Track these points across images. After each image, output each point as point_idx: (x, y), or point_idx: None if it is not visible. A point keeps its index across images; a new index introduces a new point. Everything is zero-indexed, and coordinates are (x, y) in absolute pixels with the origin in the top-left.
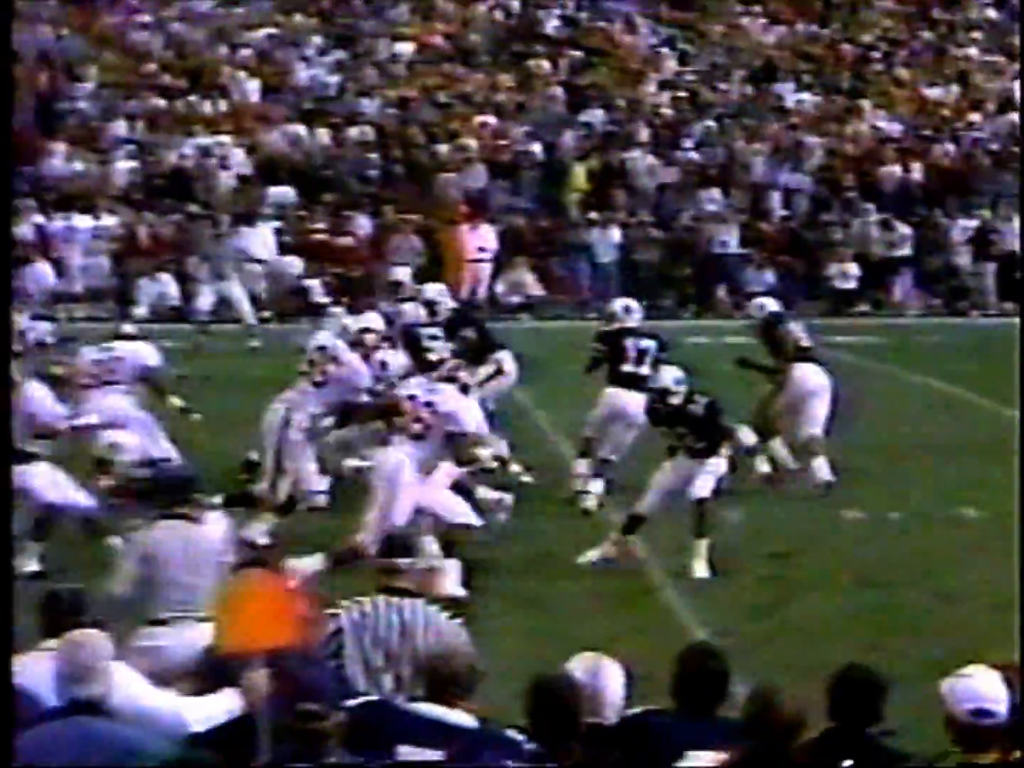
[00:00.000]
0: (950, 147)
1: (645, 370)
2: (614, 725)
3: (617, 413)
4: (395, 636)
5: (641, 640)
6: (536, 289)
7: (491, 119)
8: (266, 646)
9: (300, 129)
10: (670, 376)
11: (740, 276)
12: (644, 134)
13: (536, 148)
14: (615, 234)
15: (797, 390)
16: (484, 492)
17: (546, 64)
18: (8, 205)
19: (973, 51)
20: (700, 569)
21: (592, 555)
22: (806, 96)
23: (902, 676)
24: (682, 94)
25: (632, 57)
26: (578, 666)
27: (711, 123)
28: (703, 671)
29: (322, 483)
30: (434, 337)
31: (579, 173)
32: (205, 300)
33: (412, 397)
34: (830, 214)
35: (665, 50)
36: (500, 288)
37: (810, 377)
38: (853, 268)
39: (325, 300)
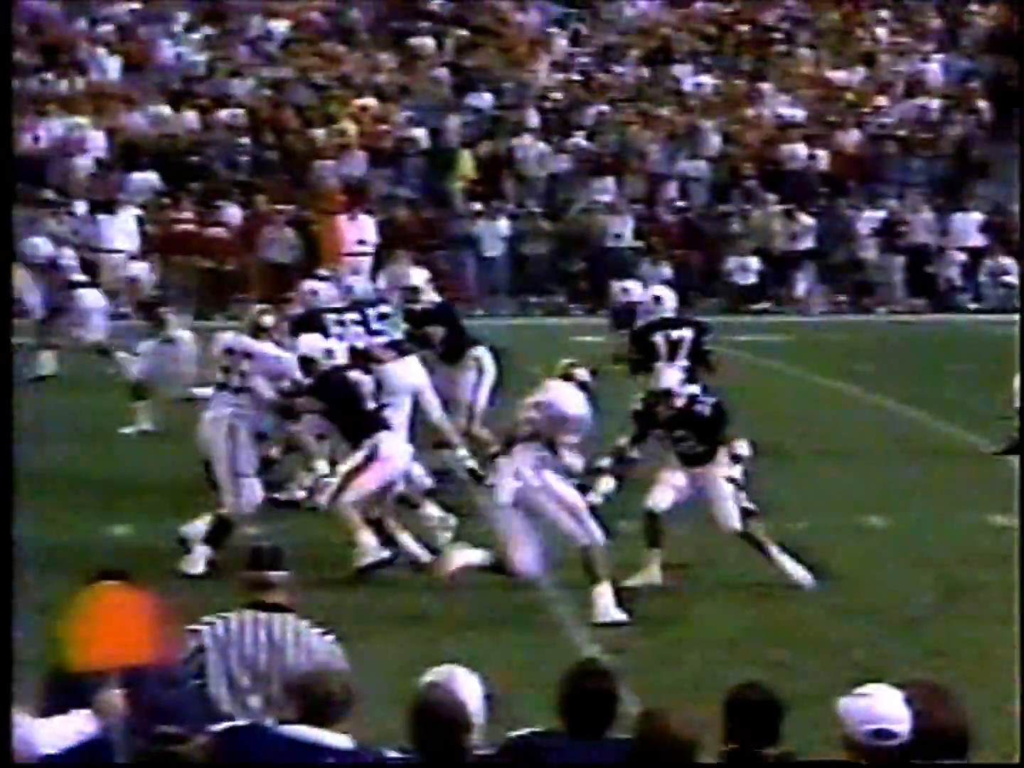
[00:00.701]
0: (855, 133)
1: (683, 362)
2: (498, 747)
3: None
4: (263, 653)
5: (529, 658)
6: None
7: (371, 102)
8: (121, 663)
9: (165, 111)
10: (674, 378)
11: (635, 270)
12: (534, 119)
13: (419, 134)
14: (503, 226)
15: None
16: (431, 510)
17: (431, 43)
18: (8, 204)
19: (880, 31)
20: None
21: (634, 581)
22: (705, 79)
23: (803, 695)
24: (575, 77)
25: (522, 37)
26: (432, 681)
27: (605, 108)
28: (591, 690)
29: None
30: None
31: (465, 161)
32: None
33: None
34: (729, 204)
35: (557, 30)
36: (381, 283)
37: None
38: (753, 262)
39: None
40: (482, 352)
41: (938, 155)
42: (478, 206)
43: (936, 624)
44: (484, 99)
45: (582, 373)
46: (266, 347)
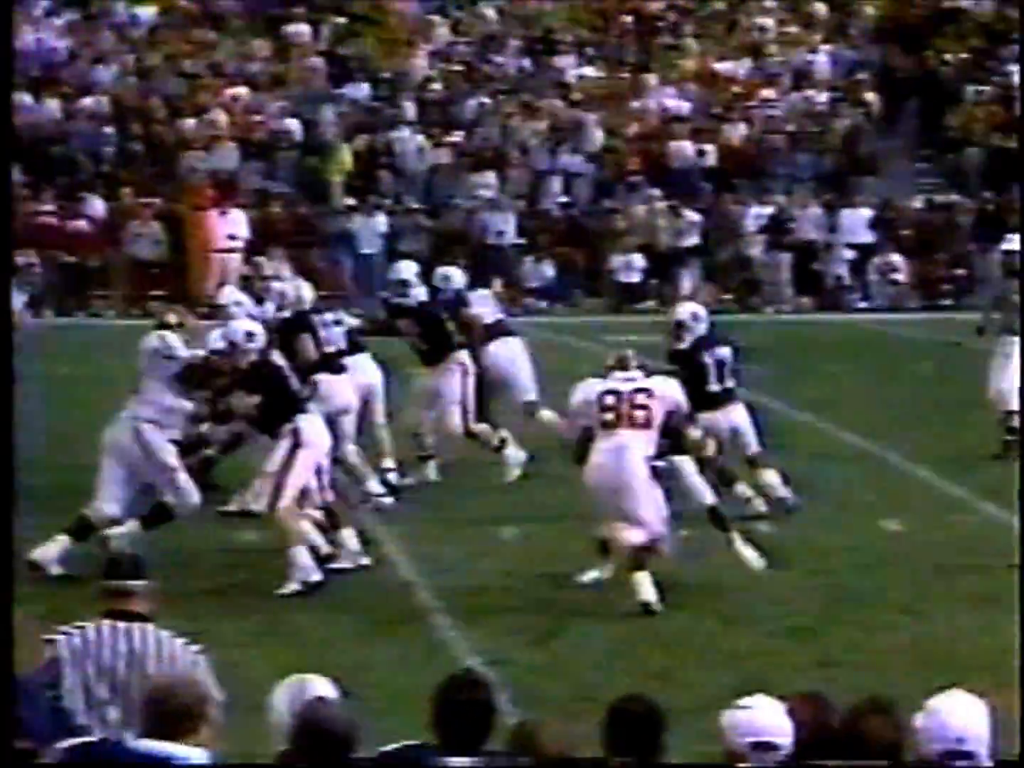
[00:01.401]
0: (742, 127)
1: (730, 383)
2: (372, 761)
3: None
4: (122, 664)
5: (405, 670)
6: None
7: (243, 92)
8: None
9: (25, 99)
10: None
11: (517, 269)
12: (413, 111)
13: (294, 125)
14: (381, 222)
15: (496, 371)
16: (347, 536)
17: (306, 31)
18: (8, 203)
19: (767, 21)
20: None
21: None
22: (588, 70)
23: (688, 707)
24: (455, 67)
25: (401, 25)
26: (285, 690)
27: (486, 99)
28: (466, 702)
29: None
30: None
31: (341, 154)
32: None
33: None
34: (613, 200)
35: (437, 18)
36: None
37: (502, 353)
38: (638, 259)
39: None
40: (464, 355)
41: (826, 149)
42: (355, 201)
43: (825, 633)
44: (361, 90)
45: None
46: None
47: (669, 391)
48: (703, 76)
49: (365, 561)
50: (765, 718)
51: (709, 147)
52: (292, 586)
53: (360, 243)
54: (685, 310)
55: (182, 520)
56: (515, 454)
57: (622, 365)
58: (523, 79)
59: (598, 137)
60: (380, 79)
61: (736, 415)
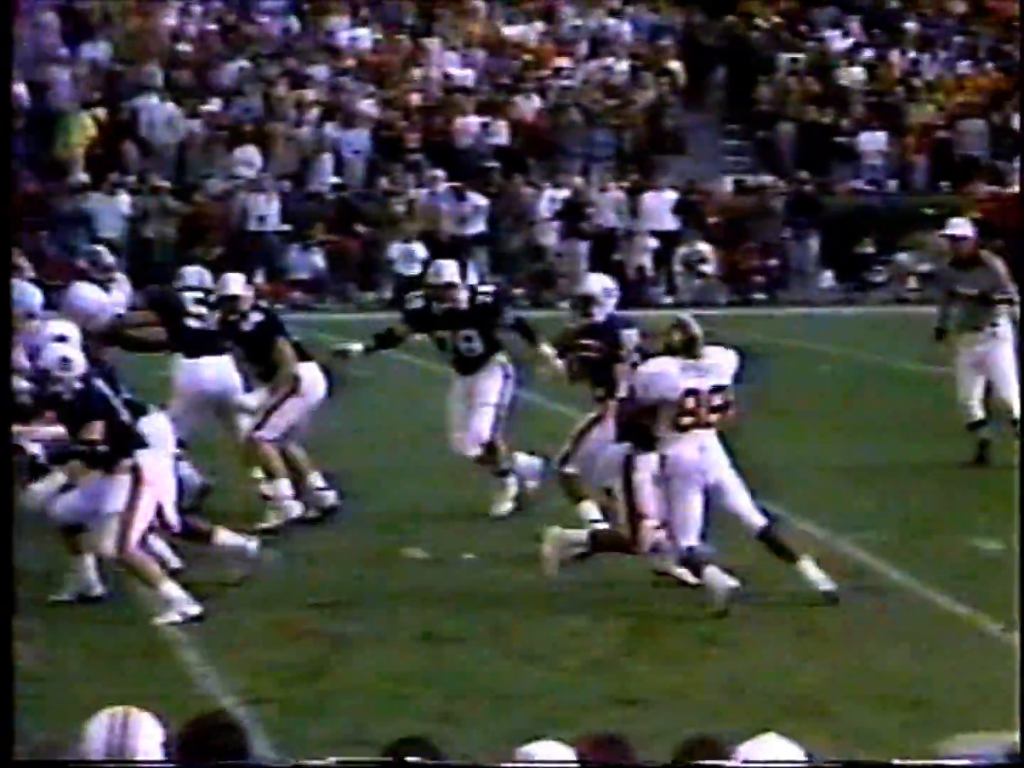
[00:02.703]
0: (535, 100)
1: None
2: None
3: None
4: None
5: (151, 710)
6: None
7: None
8: None
9: None
10: None
11: (282, 259)
12: (160, 76)
13: (20, 90)
14: (123, 202)
15: (314, 397)
16: (227, 537)
17: None
18: (8, 203)
19: None
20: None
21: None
22: (362, 32)
23: (470, 751)
24: (211, 27)
25: None
26: (99, 724)
27: (246, 64)
28: (216, 748)
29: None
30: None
31: (78, 124)
32: None
33: None
34: (390, 182)
35: None
36: None
37: (319, 379)
38: (418, 249)
39: None
40: (505, 357)
41: (626, 125)
42: (91, 179)
43: (625, 667)
44: (101, 50)
45: None
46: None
47: (731, 369)
48: (491, 42)
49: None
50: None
51: (498, 122)
52: (172, 616)
53: (99, 225)
54: (596, 283)
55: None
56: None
57: (692, 351)
58: (288, 42)
59: (373, 110)
60: (123, 38)
61: None
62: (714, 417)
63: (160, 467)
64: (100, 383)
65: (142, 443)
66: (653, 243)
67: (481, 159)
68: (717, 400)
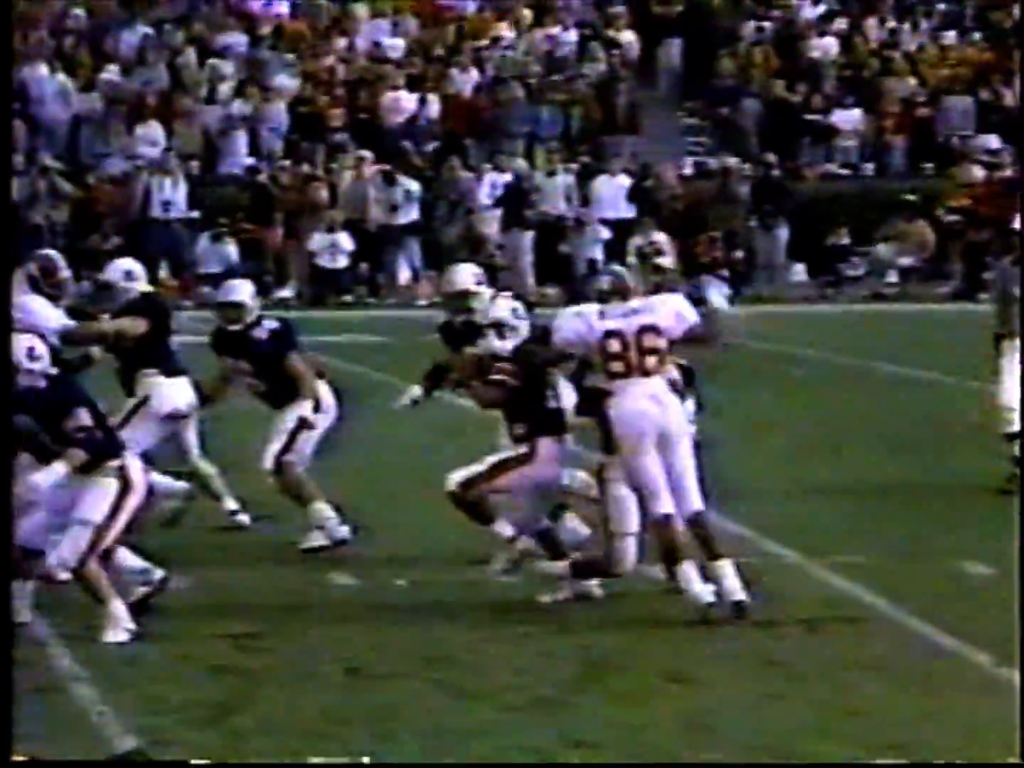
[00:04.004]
0: (473, 73)
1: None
2: None
3: None
4: None
5: (42, 752)
6: None
7: None
8: None
9: None
10: None
11: (189, 250)
12: (51, 43)
13: None
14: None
15: (330, 418)
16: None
17: None
18: (8, 203)
19: None
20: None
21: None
22: None
23: None
24: None
25: None
26: None
27: (148, 30)
28: None
29: None
30: None
31: None
32: None
33: None
34: (311, 164)
35: None
36: None
37: (331, 399)
38: (343, 239)
39: None
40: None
41: (574, 101)
42: None
43: (574, 705)
44: None
45: None
46: None
47: (672, 310)
48: (423, 8)
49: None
50: None
51: (431, 98)
52: (119, 635)
53: None
54: (464, 275)
55: None
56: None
57: (620, 291)
58: (196, 6)
59: (292, 83)
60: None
61: None
62: (650, 361)
63: (142, 474)
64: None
65: (123, 444)
66: (605, 233)
67: (413, 139)
68: (650, 342)
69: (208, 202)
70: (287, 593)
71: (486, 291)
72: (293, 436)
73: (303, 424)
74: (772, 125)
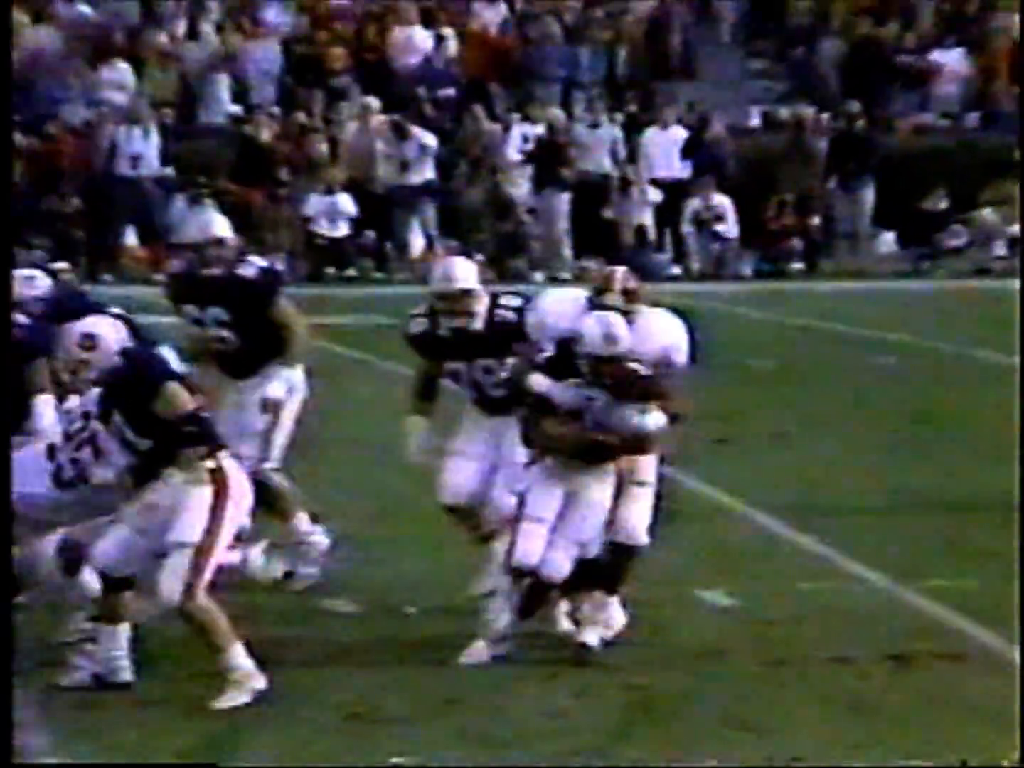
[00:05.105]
0: (500, 6)
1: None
2: None
3: None
4: None
5: None
6: None
7: None
8: None
9: None
10: None
11: (161, 214)
12: None
13: None
14: None
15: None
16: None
17: None
18: (8, 203)
19: None
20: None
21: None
22: None
23: None
24: None
25: None
26: None
27: None
28: None
29: None
30: None
31: None
32: None
33: None
34: (309, 114)
35: None
36: None
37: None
38: (345, 202)
39: None
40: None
41: (618, 41)
42: None
43: (619, 756)
44: None
45: None
46: None
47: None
48: None
49: None
50: None
51: (449, 35)
52: (239, 696)
53: None
54: (466, 269)
55: None
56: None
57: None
58: None
59: (284, 18)
60: None
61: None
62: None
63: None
64: None
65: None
66: (656, 195)
67: (428, 85)
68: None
69: (185, 158)
70: (275, 623)
71: (485, 294)
72: (267, 439)
73: (274, 411)
74: (856, 68)
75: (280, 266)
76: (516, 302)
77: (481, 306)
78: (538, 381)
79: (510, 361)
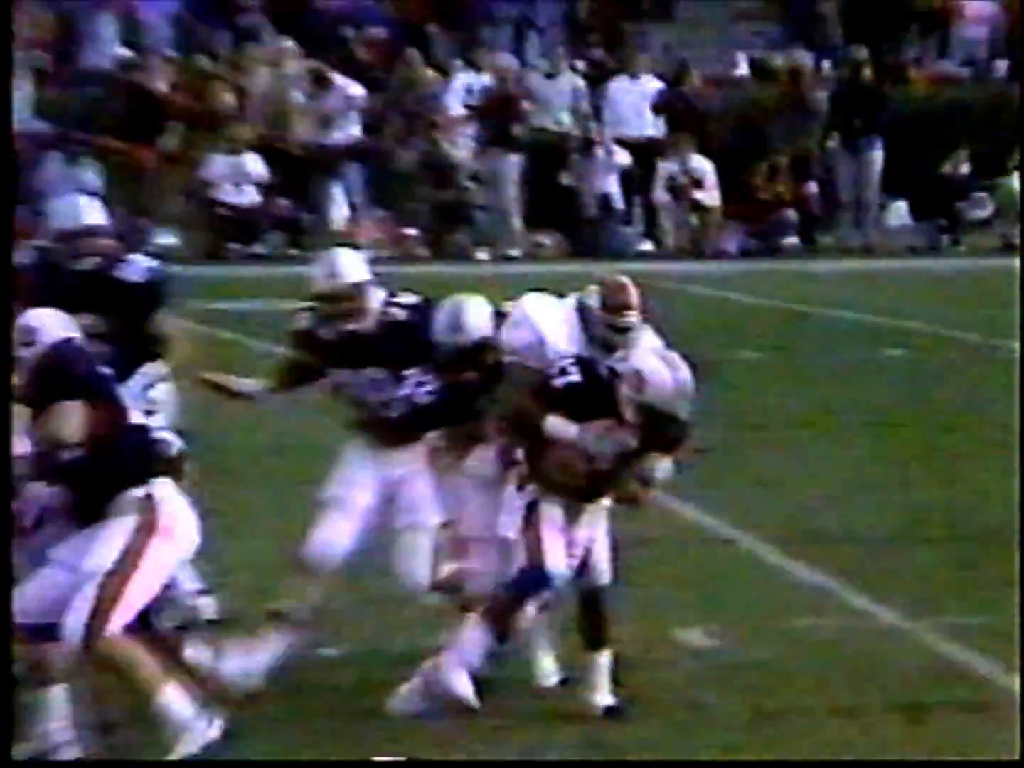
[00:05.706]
0: None
1: None
2: None
3: None
4: None
5: None
6: None
7: None
8: None
9: None
10: None
11: (35, 175)
12: None
13: None
14: None
15: None
16: None
17: None
18: (9, 204)
19: None
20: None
21: None
22: None
23: None
24: None
25: None
26: None
27: None
28: None
29: None
30: None
31: None
32: None
33: None
34: (211, 58)
35: None
36: None
37: None
38: (253, 163)
39: None
40: None
41: None
42: None
43: None
44: None
45: None
46: None
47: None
48: None
49: None
50: None
51: None
52: (189, 744)
53: None
54: (352, 262)
55: None
56: None
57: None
58: None
59: None
60: None
61: None
62: None
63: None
64: None
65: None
66: (624, 158)
67: (355, 24)
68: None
69: (62, 109)
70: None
71: (379, 291)
72: None
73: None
74: (862, 8)
75: (174, 240)
76: (412, 300)
77: (373, 303)
78: (558, 426)
79: (409, 373)
